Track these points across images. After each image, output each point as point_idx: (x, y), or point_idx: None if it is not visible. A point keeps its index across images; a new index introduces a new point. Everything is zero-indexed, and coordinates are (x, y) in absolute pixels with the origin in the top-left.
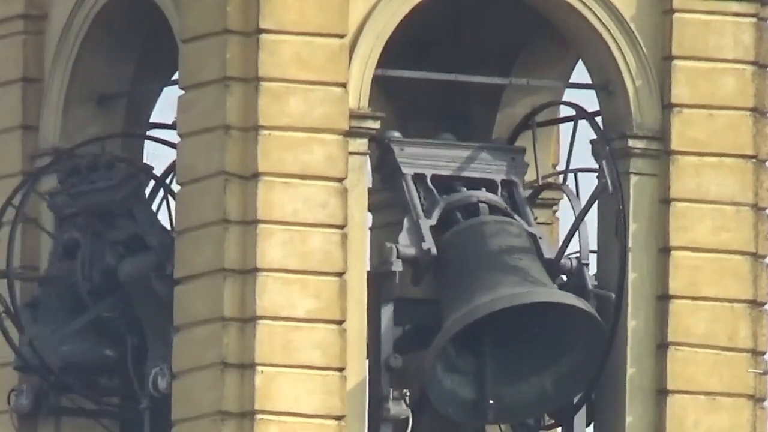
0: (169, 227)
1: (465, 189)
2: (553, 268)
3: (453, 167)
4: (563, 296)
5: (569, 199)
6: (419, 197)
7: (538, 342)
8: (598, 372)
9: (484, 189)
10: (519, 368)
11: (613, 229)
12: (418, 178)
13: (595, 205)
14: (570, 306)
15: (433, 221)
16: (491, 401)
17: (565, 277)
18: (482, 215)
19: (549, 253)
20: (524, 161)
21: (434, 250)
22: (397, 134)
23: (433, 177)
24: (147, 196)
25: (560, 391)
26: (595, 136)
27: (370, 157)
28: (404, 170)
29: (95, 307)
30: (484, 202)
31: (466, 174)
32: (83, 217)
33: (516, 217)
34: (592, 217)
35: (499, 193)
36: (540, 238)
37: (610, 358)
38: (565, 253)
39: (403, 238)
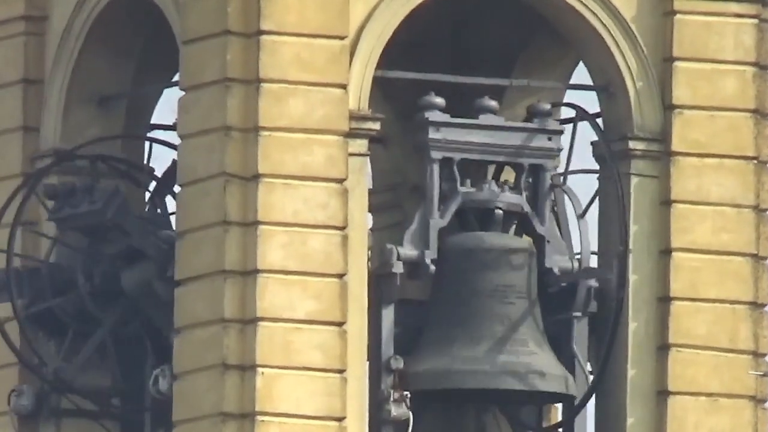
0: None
1: (488, 181)
2: (549, 278)
3: (483, 150)
4: (538, 380)
5: (570, 201)
6: (440, 187)
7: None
8: (598, 374)
9: (507, 188)
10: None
11: (614, 231)
12: (445, 163)
13: (596, 205)
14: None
15: (444, 222)
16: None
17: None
18: (493, 228)
19: (551, 261)
20: (560, 143)
21: (433, 268)
22: (438, 100)
23: (461, 161)
24: (148, 198)
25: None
26: (596, 138)
27: (371, 156)
28: (433, 155)
29: (105, 322)
30: (500, 209)
31: (495, 158)
32: (75, 238)
33: (533, 219)
34: (592, 218)
35: (522, 182)
36: (548, 241)
37: (610, 359)
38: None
39: (408, 239)
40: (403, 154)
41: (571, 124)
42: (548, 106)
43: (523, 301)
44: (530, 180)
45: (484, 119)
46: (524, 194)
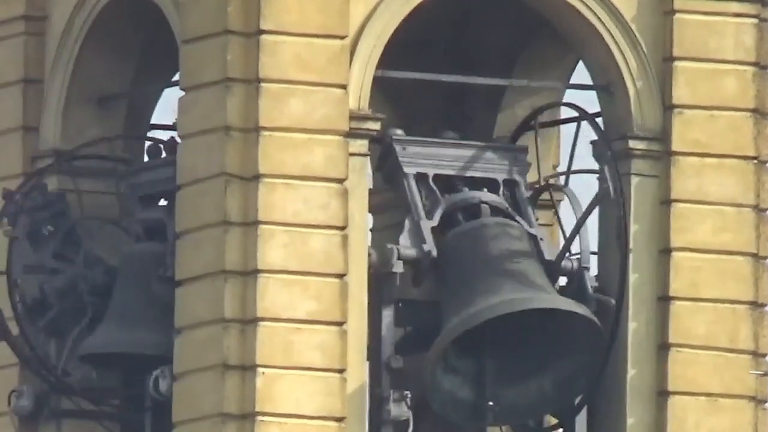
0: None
1: (467, 189)
2: (553, 270)
3: (455, 166)
4: (564, 302)
5: (570, 201)
6: (421, 197)
7: (538, 345)
8: (598, 374)
9: (485, 189)
10: (518, 370)
11: (614, 232)
12: (420, 178)
13: (595, 213)
14: (570, 312)
15: (435, 222)
16: (491, 402)
17: (565, 279)
18: (484, 217)
19: (550, 255)
20: (527, 160)
21: (435, 252)
22: (399, 132)
23: (435, 176)
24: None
25: (560, 393)
26: (596, 137)
27: (371, 157)
28: (406, 169)
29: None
30: (485, 203)
31: (468, 173)
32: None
33: (517, 218)
34: (592, 218)
35: (501, 193)
36: (541, 239)
37: (610, 359)
38: (566, 256)
39: (404, 239)
40: None
41: (572, 124)
42: (507, 136)
43: (530, 262)
44: (507, 193)
45: (447, 137)
46: (504, 201)
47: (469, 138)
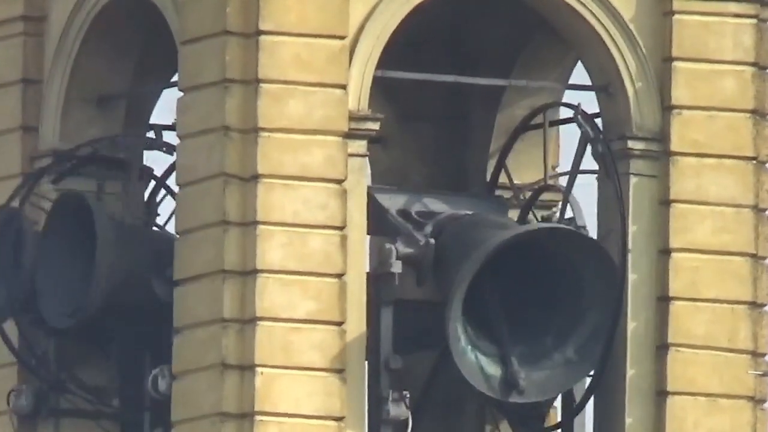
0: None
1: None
2: None
3: (435, 206)
4: (566, 227)
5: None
6: (406, 225)
7: (554, 319)
8: (598, 374)
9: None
10: (540, 349)
11: (612, 232)
12: (402, 213)
13: (595, 212)
14: (578, 237)
15: (427, 231)
16: (522, 377)
17: None
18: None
19: None
20: (505, 205)
21: (432, 241)
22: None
23: (418, 212)
24: (147, 197)
25: (585, 355)
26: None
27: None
28: (386, 205)
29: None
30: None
31: (449, 210)
32: None
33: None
34: (591, 221)
35: None
36: None
37: (610, 359)
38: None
39: (401, 243)
40: (403, 154)
41: (571, 124)
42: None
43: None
44: None
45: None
46: None
47: (466, 140)
